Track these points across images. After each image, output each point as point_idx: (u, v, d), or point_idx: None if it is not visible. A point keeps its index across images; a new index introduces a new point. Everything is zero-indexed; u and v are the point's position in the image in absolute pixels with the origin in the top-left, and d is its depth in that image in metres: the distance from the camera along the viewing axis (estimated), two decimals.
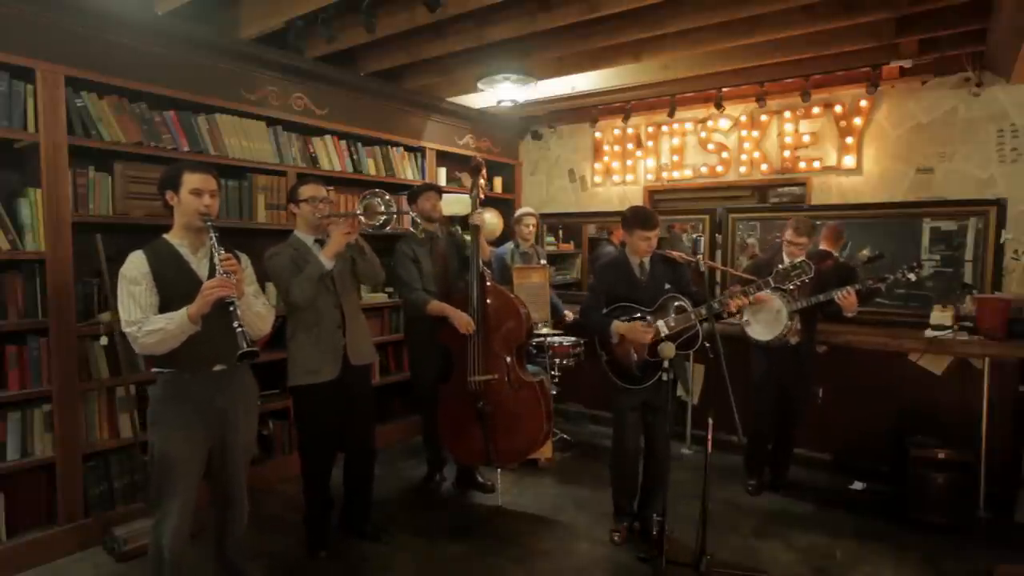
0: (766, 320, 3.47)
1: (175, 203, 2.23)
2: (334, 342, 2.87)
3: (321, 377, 2.83)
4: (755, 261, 3.95)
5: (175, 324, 2.10)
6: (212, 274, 2.20)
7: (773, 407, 3.58)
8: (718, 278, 4.73)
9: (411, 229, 3.61)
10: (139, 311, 2.11)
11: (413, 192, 3.69)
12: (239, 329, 2.06)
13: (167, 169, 2.28)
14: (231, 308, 2.09)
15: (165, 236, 2.28)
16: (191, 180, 2.20)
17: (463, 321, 3.33)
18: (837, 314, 3.36)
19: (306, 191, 2.86)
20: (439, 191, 3.70)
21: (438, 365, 3.55)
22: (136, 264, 2.16)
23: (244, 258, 2.40)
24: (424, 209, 3.58)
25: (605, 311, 3.06)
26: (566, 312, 4.46)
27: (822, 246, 4.17)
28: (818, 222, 4.42)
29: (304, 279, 2.72)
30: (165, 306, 2.16)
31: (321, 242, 2.86)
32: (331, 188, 3.78)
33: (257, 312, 2.34)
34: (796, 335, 3.48)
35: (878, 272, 3.53)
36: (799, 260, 3.02)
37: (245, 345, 2.05)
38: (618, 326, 2.98)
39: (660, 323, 2.94)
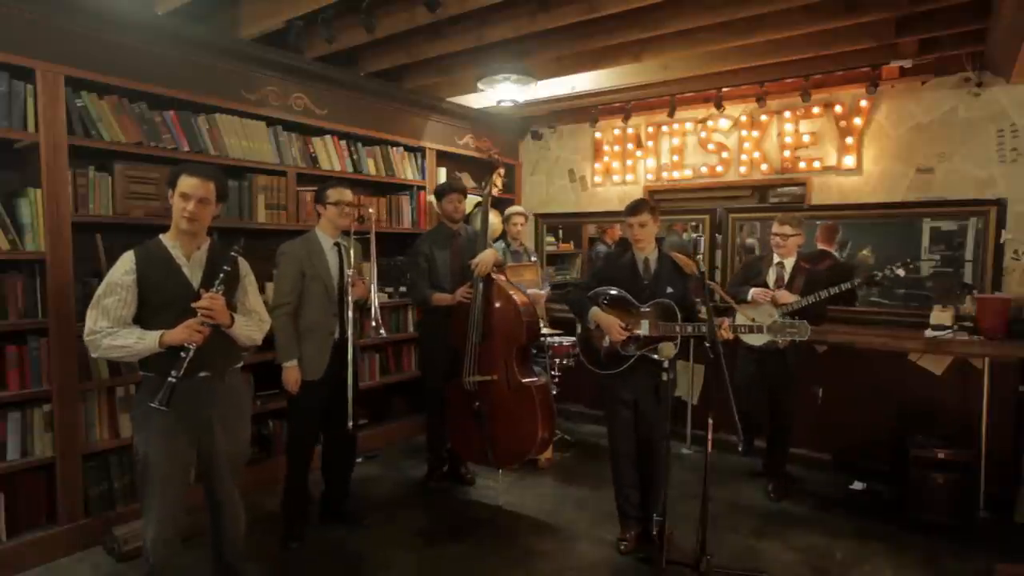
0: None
1: (172, 203, 2.20)
2: (321, 349, 2.97)
3: (304, 376, 2.96)
4: (746, 261, 3.91)
5: (143, 346, 2.08)
6: (207, 286, 2.18)
7: (758, 407, 3.64)
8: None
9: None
10: (105, 322, 2.08)
11: (437, 192, 3.81)
12: (171, 378, 2.04)
13: (173, 168, 2.25)
14: (182, 354, 2.07)
15: (160, 237, 2.24)
16: (182, 183, 2.16)
17: (460, 292, 3.46)
18: (821, 316, 3.41)
19: (332, 195, 2.99)
20: (463, 192, 3.78)
21: (447, 363, 3.57)
22: (125, 268, 2.12)
23: (244, 266, 2.37)
24: (447, 210, 3.70)
25: (591, 293, 3.06)
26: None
27: (820, 246, 4.17)
28: (818, 222, 4.45)
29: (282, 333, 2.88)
30: (146, 307, 2.13)
31: (339, 245, 3.00)
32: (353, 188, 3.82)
33: (248, 335, 2.34)
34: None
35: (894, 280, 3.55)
36: (799, 321, 2.81)
37: (161, 402, 2.03)
38: (596, 314, 2.97)
39: (644, 323, 2.90)
